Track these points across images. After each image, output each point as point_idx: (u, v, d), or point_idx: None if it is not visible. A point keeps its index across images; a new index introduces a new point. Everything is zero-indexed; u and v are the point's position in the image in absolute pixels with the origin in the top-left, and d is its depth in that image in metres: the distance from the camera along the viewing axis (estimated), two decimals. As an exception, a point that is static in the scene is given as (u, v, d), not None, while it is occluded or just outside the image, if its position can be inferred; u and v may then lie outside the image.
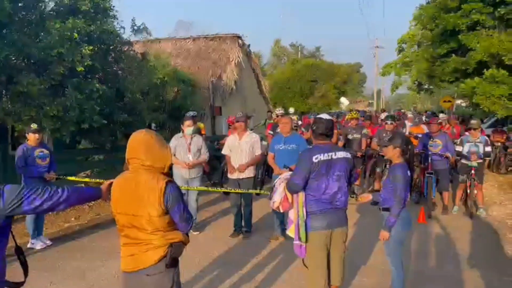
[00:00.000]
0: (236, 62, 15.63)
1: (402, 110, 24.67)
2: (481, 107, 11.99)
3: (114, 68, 8.10)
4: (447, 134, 7.81)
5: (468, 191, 7.23)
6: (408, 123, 11.49)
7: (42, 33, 6.60)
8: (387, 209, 3.85)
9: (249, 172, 6.07)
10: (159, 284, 2.45)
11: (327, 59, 36.68)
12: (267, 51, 42.92)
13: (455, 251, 5.53)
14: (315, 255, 3.30)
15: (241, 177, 6.03)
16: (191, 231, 4.18)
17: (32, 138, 5.62)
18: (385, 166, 7.83)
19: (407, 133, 9.93)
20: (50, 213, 5.59)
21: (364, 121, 10.05)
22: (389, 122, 7.91)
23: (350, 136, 8.60)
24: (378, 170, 8.16)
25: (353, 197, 4.41)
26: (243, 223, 6.21)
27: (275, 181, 3.62)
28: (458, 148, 7.32)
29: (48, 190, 2.23)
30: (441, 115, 13.47)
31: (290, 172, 3.58)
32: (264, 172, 9.33)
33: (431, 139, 7.36)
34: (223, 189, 6.09)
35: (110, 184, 2.61)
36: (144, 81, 8.39)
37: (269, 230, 6.15)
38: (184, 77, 11.84)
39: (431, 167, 7.29)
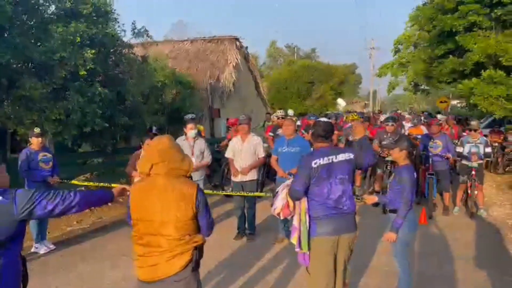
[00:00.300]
0: (234, 64, 15.65)
1: (399, 111, 24.78)
2: (478, 108, 12.07)
3: (115, 71, 8.09)
4: (447, 135, 7.86)
5: (469, 191, 7.29)
6: (406, 124, 11.54)
7: (44, 37, 6.58)
8: (393, 211, 3.88)
9: (253, 175, 6.09)
10: None
11: (323, 60, 36.85)
12: (263, 52, 42.89)
13: (456, 251, 5.57)
14: (320, 261, 3.24)
15: (244, 180, 6.04)
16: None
17: (35, 142, 5.61)
18: (386, 167, 7.88)
19: (405, 134, 9.98)
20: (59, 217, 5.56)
21: (363, 123, 10.08)
22: (390, 123, 7.94)
23: (350, 138, 8.64)
24: (379, 171, 8.20)
25: (358, 198, 4.42)
26: (246, 226, 6.22)
27: (278, 188, 3.60)
28: (459, 149, 7.39)
29: (60, 194, 2.23)
30: (438, 116, 13.56)
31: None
32: (264, 174, 9.35)
33: (432, 140, 7.41)
34: (229, 193, 6.08)
35: (123, 189, 2.60)
36: (145, 84, 8.39)
37: (273, 233, 6.17)
38: (182, 79, 11.84)
39: (432, 168, 7.34)
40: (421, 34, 17.07)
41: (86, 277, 4.85)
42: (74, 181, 7.04)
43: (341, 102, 36.67)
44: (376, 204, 7.07)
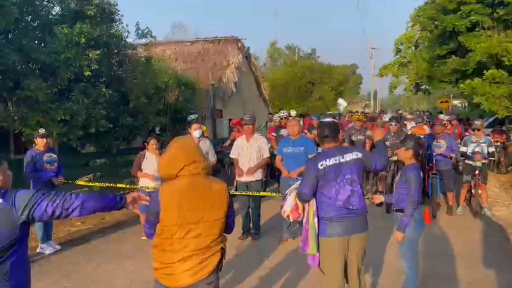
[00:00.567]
0: (235, 64, 15.68)
1: (400, 111, 24.80)
2: (481, 108, 12.10)
3: (119, 72, 8.11)
4: (450, 135, 7.88)
5: (473, 191, 7.30)
6: (408, 124, 11.54)
7: (48, 38, 6.60)
8: (400, 210, 3.89)
9: (258, 175, 6.10)
10: None
11: (323, 61, 36.89)
12: (263, 53, 42.90)
13: (461, 250, 5.58)
14: (331, 261, 3.23)
15: (249, 180, 6.06)
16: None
17: (40, 143, 5.63)
18: (389, 168, 7.88)
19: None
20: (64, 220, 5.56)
21: (367, 123, 10.11)
22: (393, 123, 7.96)
23: (353, 138, 8.66)
24: (382, 171, 8.19)
25: (366, 198, 4.41)
26: (251, 225, 6.23)
27: (287, 190, 3.58)
28: (462, 149, 7.40)
29: (61, 196, 2.13)
30: (440, 116, 13.57)
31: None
32: (267, 174, 9.36)
33: (435, 140, 7.43)
34: (241, 193, 6.09)
35: (138, 197, 2.40)
36: (148, 85, 8.41)
37: (278, 232, 6.18)
38: (185, 80, 11.86)
39: (435, 167, 7.35)
40: (422, 34, 17.10)
41: (92, 277, 4.86)
42: (78, 181, 7.06)
43: (342, 102, 36.74)
44: (379, 204, 7.11)
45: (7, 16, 5.90)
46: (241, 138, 6.30)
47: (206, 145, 6.45)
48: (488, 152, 7.29)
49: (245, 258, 5.43)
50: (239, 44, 16.36)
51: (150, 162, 6.02)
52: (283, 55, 44.58)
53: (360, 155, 3.31)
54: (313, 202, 3.24)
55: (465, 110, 27.73)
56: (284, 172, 5.82)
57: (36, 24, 6.90)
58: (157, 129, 9.40)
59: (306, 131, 9.95)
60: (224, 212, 2.41)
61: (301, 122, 11.69)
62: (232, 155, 6.34)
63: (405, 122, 11.88)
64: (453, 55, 13.62)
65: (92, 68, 6.73)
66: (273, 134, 9.49)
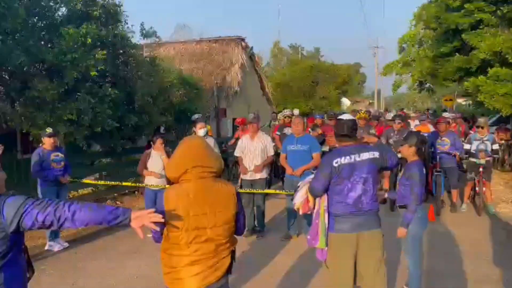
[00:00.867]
0: (239, 64, 15.73)
1: (404, 110, 24.76)
2: (485, 105, 12.08)
3: (124, 72, 8.19)
4: (454, 133, 7.90)
5: (477, 188, 7.32)
6: (412, 123, 11.56)
7: (55, 39, 6.69)
8: (403, 207, 3.93)
9: (262, 173, 6.16)
10: None
11: (327, 60, 36.86)
12: (266, 52, 42.90)
13: (465, 248, 5.60)
14: (338, 257, 3.21)
15: (254, 178, 6.12)
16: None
17: (47, 142, 5.70)
18: (393, 165, 7.90)
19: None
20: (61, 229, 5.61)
21: (371, 121, 10.14)
22: (397, 121, 7.99)
23: (358, 136, 8.67)
24: (386, 169, 8.22)
25: None
26: (255, 223, 6.29)
27: (299, 183, 3.58)
28: (466, 146, 7.42)
29: (53, 204, 1.96)
30: (444, 114, 13.57)
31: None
32: (271, 173, 9.41)
33: (439, 138, 7.45)
34: (245, 190, 6.16)
35: (144, 216, 2.05)
36: (153, 85, 8.49)
37: (282, 230, 6.23)
38: (189, 80, 11.93)
39: (439, 165, 7.37)
40: (426, 32, 17.09)
41: (100, 274, 4.93)
42: (85, 180, 7.15)
43: (345, 101, 36.67)
44: (383, 201, 7.14)
45: (14, 17, 5.99)
46: (246, 137, 6.36)
47: (211, 144, 6.52)
48: (492, 150, 7.31)
49: (250, 255, 5.48)
50: (243, 44, 16.40)
51: (155, 161, 6.09)
52: (287, 55, 44.57)
53: (376, 154, 3.26)
54: (324, 197, 3.23)
55: (469, 108, 27.65)
56: (288, 170, 5.87)
57: (42, 25, 7.00)
58: (161, 129, 9.47)
59: (310, 129, 10.00)
60: (232, 216, 2.35)
61: (305, 121, 11.73)
62: (236, 154, 6.41)
63: (409, 121, 11.92)
64: (457, 53, 13.59)
65: (98, 68, 6.81)
66: (277, 133, 9.55)
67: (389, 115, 11.00)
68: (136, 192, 8.96)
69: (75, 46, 6.56)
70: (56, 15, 7.20)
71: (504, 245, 5.79)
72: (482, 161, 7.16)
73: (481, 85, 11.55)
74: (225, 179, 9.06)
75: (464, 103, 32.28)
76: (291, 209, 5.99)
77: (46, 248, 5.72)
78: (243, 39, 16.47)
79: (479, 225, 6.68)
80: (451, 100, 19.99)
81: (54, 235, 5.85)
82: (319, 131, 9.76)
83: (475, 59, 12.24)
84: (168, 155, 5.83)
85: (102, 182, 7.38)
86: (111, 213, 2.04)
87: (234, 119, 14.00)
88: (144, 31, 8.41)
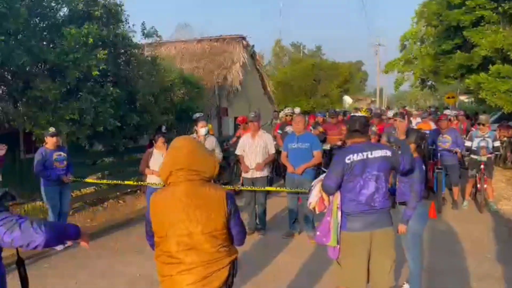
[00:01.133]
0: (241, 63, 15.73)
1: (406, 107, 24.77)
2: (486, 103, 12.07)
3: (126, 72, 8.23)
4: (456, 130, 7.91)
5: (478, 185, 7.33)
6: (414, 121, 11.55)
7: (57, 39, 6.73)
8: (404, 203, 3.96)
9: (263, 171, 6.19)
10: None
11: (328, 58, 36.83)
12: (268, 51, 42.89)
13: (466, 245, 5.62)
14: (350, 255, 3.19)
15: (255, 176, 6.14)
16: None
17: (50, 141, 5.75)
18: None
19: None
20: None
21: (373, 119, 10.13)
22: (398, 119, 7.97)
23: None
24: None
25: None
26: (257, 221, 6.32)
27: (312, 182, 3.58)
28: (468, 143, 7.44)
29: (23, 225, 1.92)
30: (446, 111, 13.56)
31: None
32: (272, 171, 9.44)
33: (441, 135, 7.46)
34: (247, 188, 6.17)
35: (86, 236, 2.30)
36: (155, 84, 8.52)
37: (283, 228, 6.26)
38: (190, 79, 11.96)
39: (441, 162, 7.38)
40: (427, 29, 17.07)
41: (104, 273, 4.97)
42: (87, 180, 7.19)
43: (347, 99, 36.58)
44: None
45: (16, 17, 6.03)
46: (247, 135, 6.38)
47: (212, 143, 6.57)
48: (493, 147, 7.32)
49: (251, 253, 5.51)
50: (244, 43, 16.40)
51: (157, 160, 6.12)
52: (288, 53, 44.55)
53: (389, 153, 3.26)
54: (337, 195, 3.23)
55: (472, 106, 27.59)
56: (289, 168, 5.90)
57: (44, 25, 7.04)
58: (163, 128, 9.50)
59: (311, 127, 10.02)
60: (222, 224, 2.16)
61: (306, 119, 11.75)
62: (237, 152, 6.44)
63: (411, 118, 11.91)
64: (458, 50, 13.58)
65: (100, 68, 6.85)
66: (279, 131, 9.57)
67: (390, 113, 11.00)
68: (138, 191, 9.00)
69: (77, 46, 6.60)
70: (58, 15, 7.24)
71: (506, 242, 5.80)
72: (484, 158, 7.17)
73: (482, 82, 11.55)
74: (227, 178, 9.10)
75: (466, 100, 32.20)
76: (293, 207, 6.03)
77: (49, 247, 5.75)
78: (244, 38, 16.47)
79: (481, 222, 6.69)
80: (453, 97, 19.99)
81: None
82: (320, 129, 9.79)
83: (477, 56, 12.24)
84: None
85: (105, 182, 7.43)
86: (72, 232, 2.19)
87: (235, 118, 14.02)
88: (145, 31, 8.45)
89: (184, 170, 2.16)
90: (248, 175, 6.18)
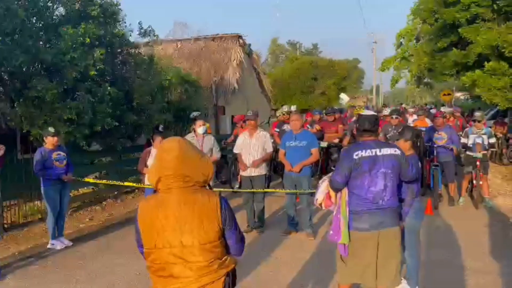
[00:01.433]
0: (237, 61, 15.75)
1: (403, 105, 24.84)
2: (482, 99, 12.16)
3: (123, 71, 8.24)
4: (451, 127, 7.98)
5: (474, 182, 7.39)
6: (410, 118, 11.62)
7: (54, 39, 6.73)
8: (400, 200, 3.99)
9: (261, 169, 6.22)
10: None
11: (325, 56, 36.84)
12: (264, 49, 42.95)
13: (463, 240, 5.68)
14: (357, 255, 3.17)
15: (253, 174, 6.18)
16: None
17: (51, 141, 5.75)
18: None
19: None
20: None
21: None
22: (394, 116, 8.06)
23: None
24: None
25: None
26: (256, 219, 6.36)
27: (320, 180, 3.55)
28: (463, 140, 7.51)
29: None
30: (442, 108, 13.64)
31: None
32: (271, 169, 9.48)
33: (436, 132, 7.52)
34: (245, 189, 6.21)
35: None
36: (152, 83, 8.54)
37: (282, 225, 6.30)
38: (188, 78, 11.97)
39: (437, 159, 7.45)
40: (423, 27, 17.13)
41: (106, 271, 4.99)
42: (87, 179, 7.21)
43: (344, 97, 36.64)
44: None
45: (13, 18, 6.03)
46: (244, 134, 6.41)
47: (210, 142, 6.60)
48: (489, 143, 7.39)
49: (250, 250, 5.52)
50: (241, 41, 16.42)
51: (155, 159, 6.15)
52: (285, 51, 44.56)
53: (398, 151, 3.24)
54: (345, 191, 3.21)
55: (467, 102, 27.73)
56: (287, 166, 5.93)
57: (41, 25, 7.03)
58: (160, 127, 9.52)
59: (308, 125, 10.07)
60: (216, 234, 1.97)
61: (304, 117, 11.79)
62: (235, 150, 6.47)
63: (407, 115, 11.98)
64: (454, 48, 13.65)
65: (97, 68, 6.86)
66: (276, 129, 9.61)
67: (386, 110, 11.06)
68: (136, 190, 9.02)
69: (74, 45, 6.60)
70: (54, 15, 7.24)
71: (501, 237, 5.88)
72: (479, 155, 7.24)
73: (477, 80, 11.63)
74: (226, 176, 9.12)
75: (462, 97, 32.38)
76: (291, 205, 6.07)
77: (48, 246, 5.78)
78: (240, 37, 16.49)
79: (477, 218, 6.76)
80: (449, 94, 20.07)
81: (58, 234, 5.91)
82: (317, 127, 9.84)
83: (472, 54, 12.31)
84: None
85: (105, 182, 7.43)
86: None
87: (232, 117, 14.05)
88: (142, 30, 8.46)
89: (174, 175, 1.96)
90: (246, 173, 6.21)
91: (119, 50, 8.21)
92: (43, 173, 5.73)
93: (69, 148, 7.12)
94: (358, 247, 3.15)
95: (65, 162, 5.90)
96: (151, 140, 6.40)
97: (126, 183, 7.43)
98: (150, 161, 6.16)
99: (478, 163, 7.26)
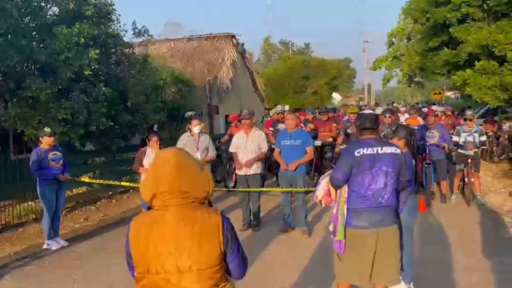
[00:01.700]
0: (230, 61, 15.78)
1: (394, 104, 25.02)
2: (472, 98, 12.32)
3: (117, 71, 8.24)
4: (443, 125, 8.10)
5: (466, 179, 7.51)
6: (402, 117, 11.72)
7: (48, 39, 6.71)
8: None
9: (257, 169, 6.26)
10: None
11: (317, 55, 37.01)
12: (256, 49, 42.96)
13: (455, 237, 5.78)
14: (354, 252, 3.17)
15: (248, 173, 6.22)
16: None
17: (47, 141, 5.74)
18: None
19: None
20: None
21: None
22: (387, 115, 8.14)
23: (349, 130, 8.82)
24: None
25: None
26: (251, 217, 6.40)
27: (320, 178, 3.59)
28: (455, 138, 7.63)
29: None
30: (433, 107, 13.79)
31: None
32: (265, 168, 9.52)
33: (428, 131, 7.63)
34: (241, 189, 6.24)
35: None
36: (146, 83, 8.54)
37: (277, 224, 6.35)
38: (181, 77, 11.99)
39: (429, 157, 7.56)
40: (414, 26, 17.29)
41: (102, 271, 4.99)
42: (83, 179, 7.20)
43: (336, 96, 36.89)
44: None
45: (7, 18, 6.00)
46: (240, 133, 6.45)
47: (206, 141, 6.64)
48: (480, 141, 7.52)
49: (246, 249, 5.53)
50: (234, 41, 16.45)
51: (150, 159, 6.16)
52: (277, 51, 44.61)
53: (399, 151, 3.27)
54: (345, 188, 3.22)
55: (458, 101, 28.05)
56: (282, 165, 5.98)
57: (34, 25, 7.01)
58: (155, 127, 9.53)
59: (302, 124, 10.13)
60: (217, 257, 1.76)
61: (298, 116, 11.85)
62: (231, 149, 6.50)
63: (399, 114, 12.09)
64: (445, 47, 13.81)
65: (92, 68, 6.85)
66: (271, 128, 9.66)
67: (379, 109, 11.16)
68: (131, 190, 9.02)
69: (69, 45, 6.59)
70: (48, 14, 7.21)
71: (492, 233, 5.98)
72: (471, 153, 7.36)
73: (468, 79, 11.78)
74: (221, 175, 9.11)
75: (453, 96, 32.74)
76: (286, 203, 6.12)
77: (44, 247, 5.77)
78: (233, 36, 16.52)
79: (468, 215, 6.87)
80: (440, 93, 20.28)
81: (54, 234, 5.89)
82: (311, 126, 9.90)
83: (463, 53, 12.46)
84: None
85: (100, 181, 7.43)
86: None
87: (226, 116, 14.07)
88: (136, 30, 8.46)
89: (171, 191, 1.75)
90: (242, 172, 6.24)
91: (113, 50, 8.21)
92: (39, 173, 5.71)
93: (66, 149, 7.12)
94: (357, 244, 3.16)
95: (61, 162, 5.89)
96: (146, 140, 6.41)
97: (123, 183, 7.43)
98: (146, 161, 6.18)
99: (469, 160, 7.38)
